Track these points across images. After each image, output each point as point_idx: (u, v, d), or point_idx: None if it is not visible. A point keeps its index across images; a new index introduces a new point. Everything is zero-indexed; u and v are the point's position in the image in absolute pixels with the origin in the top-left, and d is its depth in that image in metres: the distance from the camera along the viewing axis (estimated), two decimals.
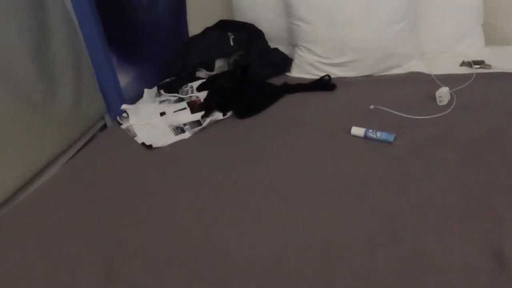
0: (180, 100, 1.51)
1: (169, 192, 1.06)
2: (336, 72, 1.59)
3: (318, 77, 1.58)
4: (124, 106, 1.50)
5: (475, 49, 1.62)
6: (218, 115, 1.40)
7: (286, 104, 1.45)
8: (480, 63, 1.51)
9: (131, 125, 1.40)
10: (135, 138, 1.34)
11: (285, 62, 1.73)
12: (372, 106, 1.31)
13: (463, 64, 1.54)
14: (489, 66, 1.49)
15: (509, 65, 1.48)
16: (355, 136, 1.18)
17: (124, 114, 1.47)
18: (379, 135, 1.15)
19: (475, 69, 1.48)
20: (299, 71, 1.67)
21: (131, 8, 1.66)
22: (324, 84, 1.53)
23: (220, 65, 1.73)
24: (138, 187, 1.09)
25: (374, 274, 0.74)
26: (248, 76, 1.63)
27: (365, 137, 1.17)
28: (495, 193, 0.89)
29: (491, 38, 1.68)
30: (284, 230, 0.88)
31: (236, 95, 1.47)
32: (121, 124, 1.44)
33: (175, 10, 1.97)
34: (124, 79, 1.61)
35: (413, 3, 1.51)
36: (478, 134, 1.10)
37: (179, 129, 1.35)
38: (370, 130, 1.16)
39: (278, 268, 0.78)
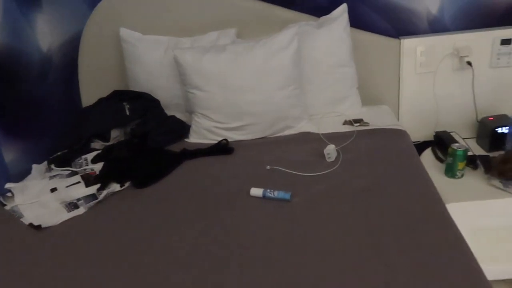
0: (73, 174, 1.43)
1: (65, 273, 0.97)
2: (233, 136, 1.64)
3: (216, 142, 1.63)
4: (8, 185, 1.37)
5: (354, 109, 1.81)
6: (115, 187, 1.35)
7: (186, 170, 1.45)
8: (359, 121, 1.68)
9: (16, 205, 1.28)
10: (21, 219, 1.23)
11: (182, 128, 1.75)
12: (268, 167, 1.37)
13: (345, 123, 1.70)
14: (367, 124, 1.67)
15: (383, 122, 1.67)
16: (255, 197, 1.22)
17: (9, 194, 1.35)
18: (276, 194, 1.19)
19: (356, 127, 1.65)
20: (197, 137, 1.70)
21: (19, 78, 1.59)
22: (222, 148, 1.58)
23: (116, 135, 1.69)
24: (25, 272, 0.99)
25: None
26: (146, 144, 1.61)
27: (264, 197, 1.21)
28: (383, 239, 0.96)
29: (366, 98, 1.90)
30: None
31: (134, 164, 1.44)
32: (5, 205, 1.31)
33: (66, 81, 1.92)
34: (9, 154, 1.50)
35: (298, 71, 1.66)
36: (364, 185, 1.20)
37: (73, 205, 1.27)
38: (268, 190, 1.21)
39: None
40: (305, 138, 1.60)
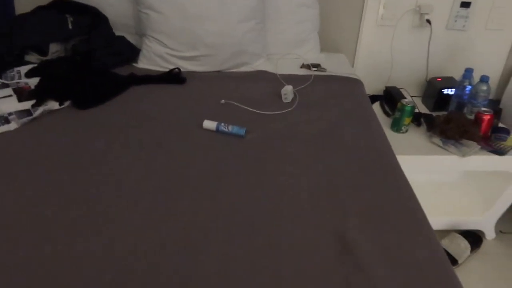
0: (4, 86, 1.28)
1: None
2: (186, 66, 1.55)
3: (167, 70, 1.53)
4: None
5: (313, 54, 1.78)
6: (53, 105, 1.23)
7: (133, 96, 1.36)
8: (317, 66, 1.66)
9: None
10: None
11: (131, 52, 1.62)
12: (223, 101, 1.32)
13: (303, 66, 1.67)
14: (324, 70, 1.65)
15: (340, 69, 1.66)
16: (207, 130, 1.17)
17: None
18: (231, 128, 1.15)
19: (313, 72, 1.62)
20: (147, 63, 1.58)
21: None
22: (174, 77, 1.48)
23: (56, 49, 1.52)
24: None
25: (233, 266, 0.73)
26: (89, 64, 1.48)
27: (217, 131, 1.16)
28: (338, 181, 0.97)
29: (324, 45, 1.86)
30: (137, 231, 0.80)
31: (76, 83, 1.31)
32: None
33: None
34: None
35: (262, 6, 1.57)
36: (320, 128, 1.19)
37: (3, 119, 1.14)
38: (222, 124, 1.16)
39: (133, 270, 0.71)
40: (262, 76, 1.55)
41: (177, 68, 1.52)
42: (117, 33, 1.64)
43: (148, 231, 0.80)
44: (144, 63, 1.59)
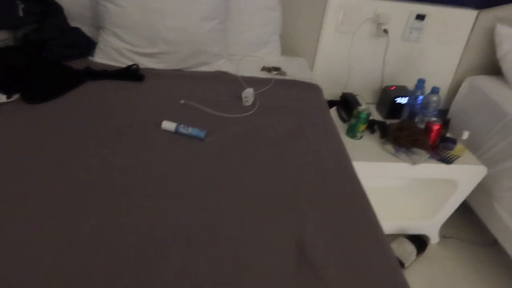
0: None
1: None
2: (144, 62, 1.51)
3: (125, 65, 1.47)
4: None
5: (273, 56, 1.78)
6: (0, 97, 1.15)
7: (89, 92, 1.30)
8: (278, 69, 1.66)
9: None
10: None
11: (87, 44, 1.55)
12: (182, 101, 1.29)
13: (263, 69, 1.67)
14: (284, 73, 1.66)
15: (299, 73, 1.67)
16: (166, 131, 1.14)
17: None
18: (190, 130, 1.13)
19: (274, 75, 1.63)
20: (104, 57, 1.52)
21: None
22: (132, 74, 1.44)
23: (3, 38, 1.43)
24: None
25: (195, 271, 0.72)
26: (41, 55, 1.40)
27: (176, 132, 1.14)
28: (297, 187, 0.98)
29: (285, 48, 1.87)
30: (95, 235, 0.77)
31: (26, 75, 1.24)
32: None
33: None
34: None
35: (226, 6, 1.55)
36: (280, 133, 1.20)
37: None
38: (182, 125, 1.14)
39: (93, 274, 0.68)
40: (223, 77, 1.53)
41: (135, 64, 1.48)
42: (72, 23, 1.57)
43: (103, 233, 0.77)
44: (100, 57, 1.52)
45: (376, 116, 1.93)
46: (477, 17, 1.93)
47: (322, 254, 0.79)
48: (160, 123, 1.15)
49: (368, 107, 1.76)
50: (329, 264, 0.77)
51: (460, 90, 2.07)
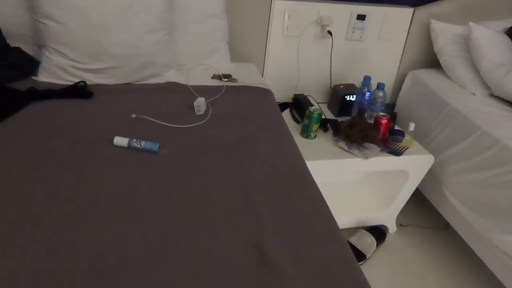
0: None
1: None
2: (91, 79, 1.48)
3: (71, 83, 1.44)
4: None
5: (223, 64, 1.80)
6: None
7: (35, 113, 1.26)
8: (228, 76, 1.68)
9: None
10: None
11: (29, 64, 1.50)
12: (133, 115, 1.28)
13: (214, 77, 1.68)
14: (235, 80, 1.68)
15: (250, 79, 1.70)
16: (119, 147, 1.13)
17: None
18: (143, 144, 1.12)
19: (225, 82, 1.64)
20: (49, 76, 1.48)
21: None
22: (79, 91, 1.41)
23: None
24: None
25: (153, 284, 0.72)
26: None
27: (129, 147, 1.13)
28: (253, 192, 0.99)
29: (234, 55, 1.90)
30: (44, 255, 0.75)
31: None
32: None
33: None
34: None
35: (170, 16, 1.55)
36: (233, 140, 1.21)
37: None
38: (134, 140, 1.13)
39: None
40: (173, 88, 1.53)
41: (82, 81, 1.45)
42: (12, 43, 1.52)
43: (56, 254, 0.76)
44: (45, 76, 1.48)
45: (328, 114, 1.99)
46: (413, 15, 2.03)
47: (280, 254, 0.81)
48: (112, 139, 1.13)
49: (319, 106, 1.81)
50: (287, 263, 0.79)
51: (404, 84, 2.17)
